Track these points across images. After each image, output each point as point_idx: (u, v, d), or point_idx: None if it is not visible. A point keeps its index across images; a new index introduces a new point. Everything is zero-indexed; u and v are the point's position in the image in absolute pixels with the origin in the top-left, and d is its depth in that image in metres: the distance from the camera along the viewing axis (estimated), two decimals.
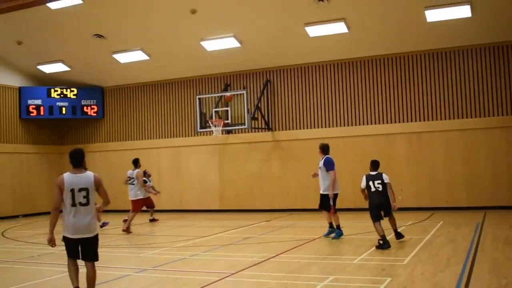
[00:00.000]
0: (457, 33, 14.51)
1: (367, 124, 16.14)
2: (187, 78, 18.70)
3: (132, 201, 13.16)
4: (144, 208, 14.20)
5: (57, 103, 19.34)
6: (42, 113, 19.28)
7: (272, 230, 12.32)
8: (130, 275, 7.64)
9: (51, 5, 14.45)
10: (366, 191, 9.39)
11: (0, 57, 18.57)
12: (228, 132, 17.34)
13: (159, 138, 19.25)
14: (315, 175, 10.47)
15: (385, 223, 9.39)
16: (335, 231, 10.22)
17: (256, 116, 16.67)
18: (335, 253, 8.83)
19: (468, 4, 13.05)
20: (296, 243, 9.89)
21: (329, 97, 16.69)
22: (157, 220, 15.08)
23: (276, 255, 8.59)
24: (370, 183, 9.29)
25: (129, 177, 13.39)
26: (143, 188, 13.41)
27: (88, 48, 17.20)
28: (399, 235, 9.41)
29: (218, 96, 16.87)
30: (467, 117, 15.04)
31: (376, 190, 9.23)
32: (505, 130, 14.57)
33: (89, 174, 5.82)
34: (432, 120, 15.38)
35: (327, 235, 10.38)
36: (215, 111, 16.54)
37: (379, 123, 16.00)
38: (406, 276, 6.63)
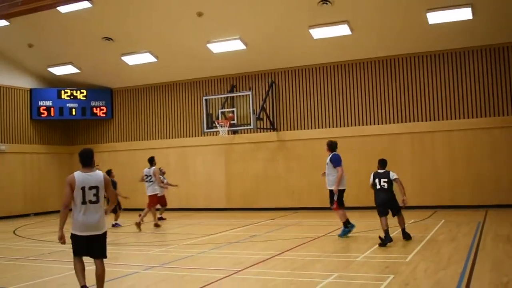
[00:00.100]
0: (459, 35, 14.62)
1: (371, 124, 16.29)
2: (194, 80, 18.91)
3: (149, 196, 13.55)
4: (158, 206, 14.54)
5: (67, 104, 19.63)
6: (52, 114, 19.58)
7: (277, 228, 12.45)
8: (138, 272, 7.77)
9: (61, 9, 14.64)
10: (372, 187, 9.67)
11: (12, 59, 18.89)
12: (234, 132, 17.56)
13: (167, 138, 19.48)
14: (324, 174, 10.45)
15: (394, 222, 9.59)
16: (342, 228, 10.18)
17: (261, 116, 16.85)
18: (339, 251, 8.92)
19: (469, 7, 13.16)
20: (301, 241, 10.02)
21: (333, 97, 16.86)
22: (165, 219, 15.31)
23: (281, 253, 8.71)
24: (376, 180, 9.53)
25: (145, 175, 13.74)
26: (160, 185, 13.76)
27: (97, 50, 17.46)
28: (406, 235, 9.50)
29: (224, 98, 17.09)
30: (469, 117, 15.16)
31: (381, 188, 9.45)
32: (506, 130, 14.68)
33: (99, 173, 5.96)
34: (435, 120, 15.51)
35: (345, 234, 10.16)
36: (221, 112, 16.75)
37: (382, 124, 16.15)
38: (409, 274, 6.71)
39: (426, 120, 15.62)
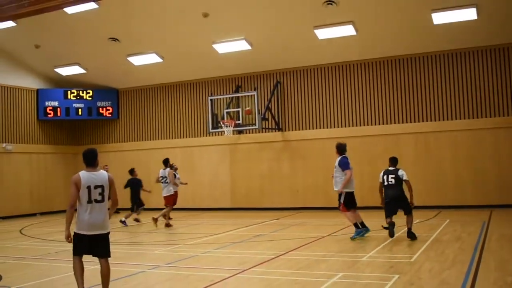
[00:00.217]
0: (463, 35, 14.62)
1: (375, 124, 16.30)
2: (199, 80, 18.98)
3: (165, 197, 13.79)
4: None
5: (74, 105, 19.75)
6: (59, 114, 19.71)
7: (282, 228, 12.49)
8: (144, 271, 7.81)
9: (68, 10, 14.74)
10: (381, 185, 9.85)
11: (19, 60, 19.03)
12: (239, 132, 17.60)
13: (172, 138, 19.55)
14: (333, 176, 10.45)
15: (401, 222, 9.62)
16: (356, 230, 10.01)
17: (266, 116, 16.90)
18: (344, 251, 8.93)
19: (474, 7, 13.16)
20: (305, 240, 10.05)
21: (337, 98, 16.87)
22: (170, 218, 15.34)
23: (286, 253, 8.74)
24: (385, 177, 9.72)
25: (161, 176, 13.94)
26: (174, 186, 13.96)
27: (104, 51, 17.56)
28: (411, 235, 9.53)
29: (229, 98, 17.14)
30: (473, 118, 15.15)
31: (389, 184, 9.63)
32: (511, 130, 14.67)
33: (104, 173, 5.99)
34: (439, 120, 15.50)
35: (357, 235, 10.00)
36: (227, 112, 16.80)
37: (386, 124, 16.15)
38: (414, 273, 6.72)
39: (430, 120, 15.61)
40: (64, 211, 6.04)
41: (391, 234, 9.58)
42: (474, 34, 14.52)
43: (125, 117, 20.54)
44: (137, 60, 17.96)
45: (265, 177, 17.67)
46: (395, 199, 9.59)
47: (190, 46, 16.79)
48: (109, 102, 20.28)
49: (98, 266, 6.00)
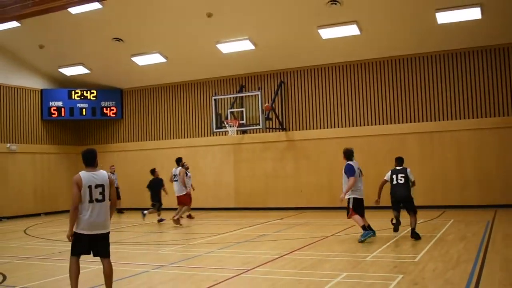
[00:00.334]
0: (468, 34, 14.58)
1: (379, 124, 16.27)
2: (203, 80, 19.00)
3: (178, 196, 13.99)
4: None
5: (78, 105, 19.81)
6: (63, 114, 19.77)
7: (285, 228, 12.49)
8: (148, 271, 7.82)
9: (72, 10, 14.80)
10: (386, 183, 9.96)
11: (23, 60, 19.09)
12: (243, 132, 17.61)
13: (176, 138, 19.58)
14: None
15: (405, 222, 9.64)
16: (363, 232, 9.80)
17: (270, 116, 16.89)
18: (348, 251, 8.92)
19: (478, 6, 13.12)
20: (309, 240, 10.06)
21: (341, 97, 16.85)
22: (182, 217, 15.26)
23: (290, 252, 8.74)
24: (394, 176, 9.79)
25: (173, 174, 14.15)
26: (182, 186, 14.04)
27: (108, 51, 17.61)
28: (415, 235, 9.54)
29: (233, 98, 17.15)
30: (477, 117, 15.11)
31: (398, 183, 9.70)
32: None
33: (103, 172, 6.03)
34: (443, 120, 15.47)
35: (366, 237, 9.77)
36: (231, 112, 16.81)
37: (391, 123, 16.13)
38: (418, 273, 6.73)
39: (434, 120, 15.57)
40: (68, 211, 6.03)
41: (396, 230, 9.80)
42: (478, 33, 14.47)
43: (129, 117, 20.59)
44: (141, 60, 17.99)
45: (269, 177, 17.67)
46: (403, 200, 9.67)
47: (194, 46, 16.81)
48: (113, 102, 20.33)
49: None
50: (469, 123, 15.16)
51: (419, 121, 15.78)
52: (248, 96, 16.77)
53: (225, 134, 17.41)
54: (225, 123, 16.49)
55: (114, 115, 20.34)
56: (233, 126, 16.26)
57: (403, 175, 9.73)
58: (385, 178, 10.01)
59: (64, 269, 8.11)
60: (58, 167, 20.26)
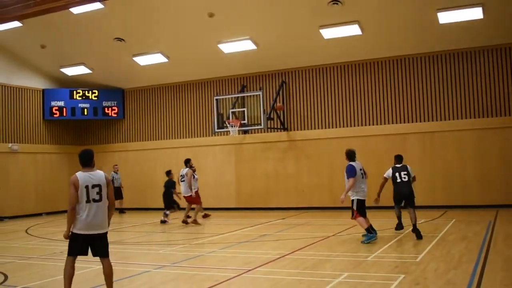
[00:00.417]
0: (469, 34, 14.56)
1: (381, 124, 16.26)
2: (205, 80, 19.00)
3: (185, 197, 14.04)
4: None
5: (79, 105, 19.83)
6: (64, 114, 19.79)
7: (287, 228, 12.49)
8: (149, 271, 7.83)
9: (74, 10, 14.81)
10: (387, 181, 10.05)
11: (25, 60, 19.11)
12: (245, 132, 17.60)
13: (178, 138, 19.59)
14: None
15: (408, 221, 9.66)
16: (367, 235, 9.78)
17: (271, 116, 16.88)
18: (349, 251, 8.92)
19: (480, 6, 13.11)
20: (310, 240, 10.06)
21: (343, 97, 16.84)
22: (189, 217, 15.27)
23: (292, 252, 8.75)
24: (397, 174, 9.82)
25: (180, 175, 14.19)
26: (188, 188, 14.03)
27: (109, 51, 17.62)
28: (417, 232, 9.56)
29: (234, 98, 17.15)
30: (479, 117, 15.09)
31: (402, 181, 9.78)
32: None
33: (100, 172, 6.05)
34: (445, 120, 15.45)
35: (370, 240, 9.72)
36: (232, 112, 16.81)
37: (392, 123, 16.12)
38: (419, 273, 6.72)
39: (436, 120, 15.56)
40: None
41: (399, 228, 9.97)
42: (480, 33, 14.45)
43: (130, 117, 20.60)
44: (142, 60, 18.01)
45: (270, 177, 17.67)
46: (406, 197, 9.79)
47: (195, 46, 16.81)
48: (115, 102, 20.34)
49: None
50: (471, 123, 15.15)
51: (420, 121, 15.77)
52: (250, 96, 16.77)
53: (227, 134, 17.42)
54: (226, 123, 16.49)
55: (115, 115, 20.35)
56: (234, 126, 16.26)
57: (406, 172, 9.82)
58: (386, 176, 10.06)
59: None
60: (60, 167, 20.27)
